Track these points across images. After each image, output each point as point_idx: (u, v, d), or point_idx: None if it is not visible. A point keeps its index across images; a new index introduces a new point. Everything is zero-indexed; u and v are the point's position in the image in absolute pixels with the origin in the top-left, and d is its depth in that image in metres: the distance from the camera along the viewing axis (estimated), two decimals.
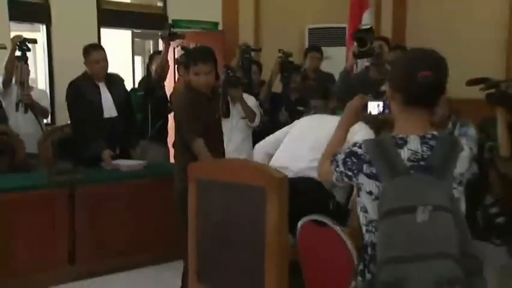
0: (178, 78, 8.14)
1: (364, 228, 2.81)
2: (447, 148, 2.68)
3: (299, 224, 4.25)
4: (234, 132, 7.00)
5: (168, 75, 8.05)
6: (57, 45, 8.44)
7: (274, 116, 7.40)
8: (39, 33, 8.64)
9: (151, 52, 8.90)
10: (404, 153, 2.65)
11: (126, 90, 7.38)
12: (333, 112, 5.30)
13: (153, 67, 7.73)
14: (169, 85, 8.32)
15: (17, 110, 7.01)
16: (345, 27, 9.32)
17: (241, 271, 4.18)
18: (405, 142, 2.68)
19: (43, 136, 7.09)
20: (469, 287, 2.54)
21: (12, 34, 7.74)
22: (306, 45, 9.29)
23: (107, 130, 6.52)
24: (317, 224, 4.15)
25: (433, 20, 10.28)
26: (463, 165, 2.68)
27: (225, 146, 6.16)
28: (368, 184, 2.72)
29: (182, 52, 7.29)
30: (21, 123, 7.22)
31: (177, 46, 8.96)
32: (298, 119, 5.49)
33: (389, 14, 10.84)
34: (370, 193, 2.72)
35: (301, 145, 4.82)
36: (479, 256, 2.64)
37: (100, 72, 6.80)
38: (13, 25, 8.01)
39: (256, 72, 7.89)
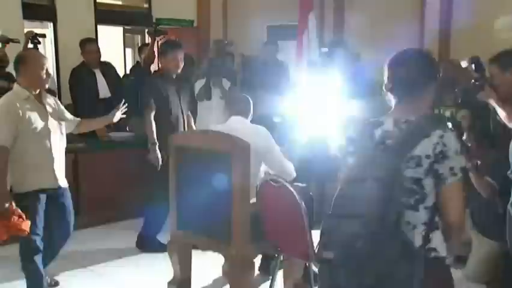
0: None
1: None
2: (410, 132, 2.52)
3: (258, 183, 4.25)
4: (214, 109, 7.06)
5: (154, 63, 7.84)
6: (62, 39, 8.45)
7: None
8: (47, 29, 8.63)
9: (140, 45, 8.91)
10: (377, 133, 2.61)
11: (118, 75, 7.54)
12: None
13: (142, 57, 7.80)
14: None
15: None
16: (296, 25, 9.14)
17: (212, 219, 4.29)
18: (381, 123, 2.64)
19: None
20: (371, 243, 2.38)
21: (25, 31, 7.78)
22: (265, 39, 9.28)
23: (102, 108, 6.40)
24: (273, 183, 4.11)
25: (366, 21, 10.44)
26: (424, 149, 2.45)
27: (206, 120, 6.63)
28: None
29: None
30: None
31: (161, 40, 9.28)
32: None
33: (330, 13, 10.86)
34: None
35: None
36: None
37: (94, 61, 6.99)
38: (26, 23, 7.98)
39: (230, 61, 8.12)
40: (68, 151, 6.31)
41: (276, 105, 6.92)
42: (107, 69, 7.26)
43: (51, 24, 8.60)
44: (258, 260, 4.85)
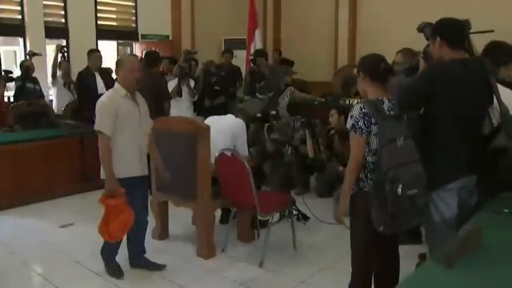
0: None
1: (366, 154, 2.72)
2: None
3: (216, 154, 4.18)
4: (183, 103, 7.07)
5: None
6: (73, 50, 8.24)
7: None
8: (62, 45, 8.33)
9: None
10: (385, 107, 2.71)
11: (113, 78, 7.04)
12: None
13: None
14: None
15: (64, 87, 7.18)
16: (245, 38, 9.37)
17: (183, 184, 4.24)
18: (383, 102, 2.73)
19: (66, 106, 7.10)
20: (425, 176, 2.63)
21: (47, 47, 7.99)
22: (223, 48, 9.26)
23: None
24: (227, 153, 4.16)
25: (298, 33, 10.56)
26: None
27: (178, 111, 6.76)
28: (374, 128, 2.68)
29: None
30: (61, 97, 7.27)
31: (144, 50, 9.10)
32: None
33: (271, 30, 11.09)
34: (375, 134, 2.68)
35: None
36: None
37: (95, 65, 6.83)
38: (47, 40, 7.95)
39: (194, 66, 7.95)
40: (76, 135, 6.23)
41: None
42: (105, 72, 7.07)
43: (65, 40, 8.42)
44: (218, 214, 4.79)
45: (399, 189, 2.52)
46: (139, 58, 6.60)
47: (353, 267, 2.99)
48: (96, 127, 3.60)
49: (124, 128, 3.63)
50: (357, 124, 2.69)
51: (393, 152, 2.59)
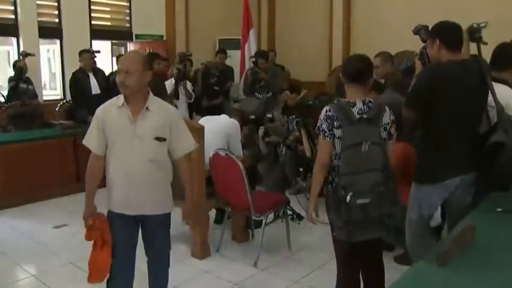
0: None
1: (333, 158, 2.70)
2: (378, 108, 2.71)
3: (210, 154, 4.18)
4: (180, 104, 7.01)
5: None
6: (67, 51, 8.11)
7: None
8: (56, 45, 8.45)
9: (118, 55, 8.64)
10: (355, 111, 2.66)
11: (106, 78, 7.26)
12: None
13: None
14: None
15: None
16: (239, 38, 9.27)
17: (177, 184, 4.12)
18: (354, 104, 2.68)
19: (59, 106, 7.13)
20: (386, 186, 2.63)
21: (41, 47, 7.95)
22: (217, 49, 9.15)
23: (94, 102, 5.75)
24: (221, 153, 4.18)
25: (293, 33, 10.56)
26: (386, 119, 2.71)
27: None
28: (337, 131, 2.66)
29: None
30: None
31: (138, 50, 9.06)
32: None
33: (265, 30, 11.06)
34: (339, 137, 2.66)
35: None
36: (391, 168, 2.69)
37: (87, 66, 6.85)
38: (40, 40, 7.84)
39: (189, 66, 7.93)
40: (69, 135, 6.22)
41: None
42: (98, 72, 7.10)
43: (59, 41, 8.35)
44: (213, 214, 4.79)
45: (349, 197, 2.55)
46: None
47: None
48: (84, 140, 2.98)
49: (113, 147, 2.86)
50: (321, 127, 2.72)
51: (352, 158, 2.60)
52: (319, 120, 2.75)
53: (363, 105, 2.69)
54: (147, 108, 2.79)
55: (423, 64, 3.11)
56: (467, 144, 2.85)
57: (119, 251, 2.92)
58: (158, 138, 2.82)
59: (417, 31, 3.23)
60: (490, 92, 2.85)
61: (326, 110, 2.71)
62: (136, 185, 2.82)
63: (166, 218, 3.01)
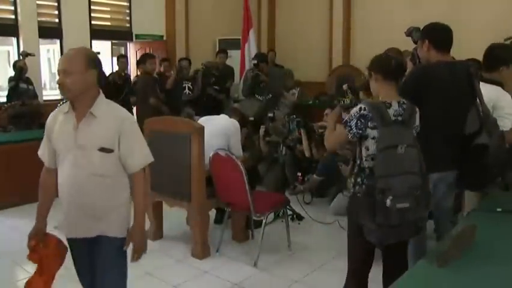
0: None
1: (364, 159, 2.59)
2: (411, 110, 2.61)
3: (210, 154, 4.18)
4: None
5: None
6: (66, 51, 8.12)
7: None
8: (56, 45, 8.47)
9: (118, 55, 8.71)
10: (391, 112, 2.55)
11: (106, 77, 7.20)
12: None
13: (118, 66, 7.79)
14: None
15: None
16: (240, 39, 9.35)
17: (177, 182, 4.23)
18: (390, 105, 2.57)
19: (59, 106, 7.08)
20: (422, 189, 2.53)
21: (41, 47, 7.92)
22: (217, 49, 9.17)
23: None
24: (220, 153, 4.15)
25: (293, 33, 10.57)
26: (417, 120, 2.65)
27: None
28: (372, 132, 2.55)
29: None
30: None
31: (138, 50, 9.11)
32: None
33: (265, 30, 11.05)
34: (373, 138, 2.55)
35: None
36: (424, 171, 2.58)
37: None
38: (40, 40, 7.83)
39: (187, 65, 7.99)
40: None
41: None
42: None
43: (59, 41, 8.35)
44: (213, 214, 4.78)
45: (389, 201, 2.42)
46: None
47: (347, 266, 2.93)
48: (39, 150, 2.70)
49: (58, 159, 2.50)
50: (350, 122, 2.60)
51: (390, 160, 2.48)
52: (348, 115, 2.64)
53: (398, 106, 2.59)
54: (91, 113, 2.34)
55: (414, 64, 3.18)
56: (454, 143, 2.91)
57: (80, 280, 2.63)
58: (103, 149, 2.34)
59: (409, 33, 3.32)
60: (477, 96, 2.90)
61: (361, 108, 2.58)
62: (78, 203, 2.42)
63: (120, 243, 2.47)
